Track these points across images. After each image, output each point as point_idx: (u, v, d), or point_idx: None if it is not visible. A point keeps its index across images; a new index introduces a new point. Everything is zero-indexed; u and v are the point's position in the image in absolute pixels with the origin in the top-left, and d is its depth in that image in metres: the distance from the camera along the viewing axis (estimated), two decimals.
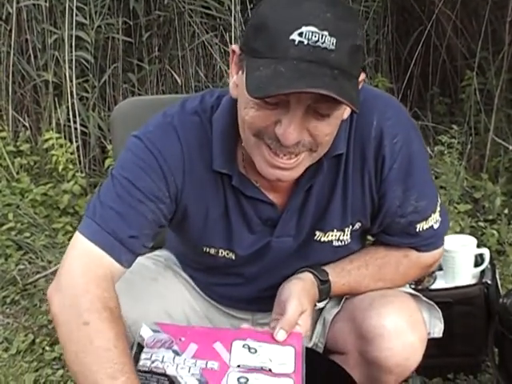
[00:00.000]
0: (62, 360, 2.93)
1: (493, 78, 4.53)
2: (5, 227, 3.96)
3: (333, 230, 1.74)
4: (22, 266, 3.73)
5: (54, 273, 3.57)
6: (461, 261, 2.56)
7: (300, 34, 1.38)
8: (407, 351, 1.68)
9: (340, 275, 1.77)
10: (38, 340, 3.09)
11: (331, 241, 1.76)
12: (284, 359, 1.56)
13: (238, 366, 1.54)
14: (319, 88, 1.37)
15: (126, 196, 1.62)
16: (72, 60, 4.58)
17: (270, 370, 1.53)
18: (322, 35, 1.38)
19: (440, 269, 2.63)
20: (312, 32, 1.38)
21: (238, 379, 1.51)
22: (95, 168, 4.73)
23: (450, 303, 2.49)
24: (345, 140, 1.66)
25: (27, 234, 3.95)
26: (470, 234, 3.32)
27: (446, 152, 3.84)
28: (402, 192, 1.71)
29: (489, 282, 2.53)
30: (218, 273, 1.88)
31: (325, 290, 1.75)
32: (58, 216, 4.14)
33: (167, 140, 1.66)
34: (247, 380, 1.50)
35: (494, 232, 3.60)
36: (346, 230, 1.75)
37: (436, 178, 3.82)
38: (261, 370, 1.53)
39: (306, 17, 1.39)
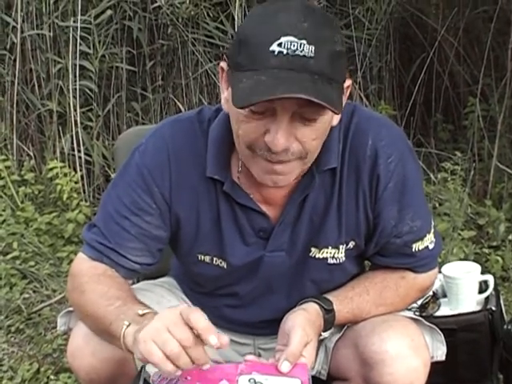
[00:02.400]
0: None
1: (496, 104, 4.53)
2: (9, 256, 3.97)
3: (327, 247, 1.76)
4: (26, 295, 3.73)
5: (58, 301, 3.61)
6: (465, 287, 2.54)
7: (279, 45, 1.44)
8: (411, 376, 1.68)
9: (343, 303, 1.78)
10: (42, 369, 3.09)
11: (326, 258, 1.78)
12: None
13: None
14: (298, 92, 1.42)
15: (112, 213, 1.76)
16: (76, 89, 4.61)
17: None
18: (301, 44, 1.44)
19: (444, 296, 2.63)
20: (290, 42, 1.44)
21: None
22: (99, 197, 4.70)
23: (455, 330, 2.46)
24: (337, 155, 1.69)
25: (32, 263, 3.96)
26: (474, 260, 3.33)
27: (449, 179, 3.84)
28: (397, 211, 1.73)
29: (493, 308, 2.51)
30: (214, 294, 1.90)
31: (330, 320, 1.75)
32: (63, 245, 4.15)
33: (155, 154, 1.76)
34: None
35: (499, 258, 3.60)
36: (341, 247, 1.77)
37: (440, 204, 3.83)
38: None
39: (284, 28, 1.45)
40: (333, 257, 1.78)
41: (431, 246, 1.82)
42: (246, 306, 1.89)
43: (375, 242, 1.78)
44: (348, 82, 1.60)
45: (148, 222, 1.75)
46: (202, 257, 1.81)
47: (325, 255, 1.78)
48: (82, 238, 1.83)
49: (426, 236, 1.80)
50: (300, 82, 1.44)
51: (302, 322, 1.68)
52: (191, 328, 1.42)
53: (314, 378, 1.71)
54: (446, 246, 3.49)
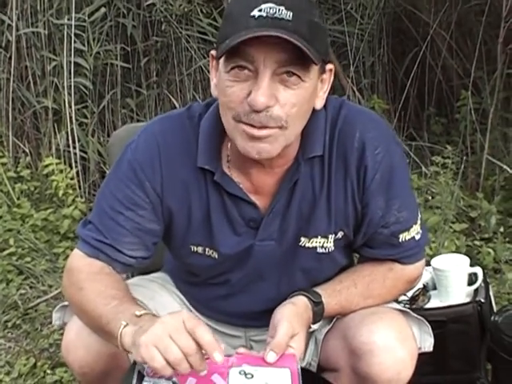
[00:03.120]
0: (64, 383, 2.98)
1: (487, 97, 4.56)
2: (6, 252, 4.00)
3: (317, 237, 1.80)
4: (23, 291, 3.76)
5: (54, 297, 3.64)
6: (454, 280, 2.58)
7: (259, 10, 1.52)
8: (398, 366, 1.71)
9: (332, 295, 1.81)
10: (39, 363, 3.12)
11: (315, 247, 1.81)
12: (280, 381, 1.57)
13: None
14: (275, 33, 1.49)
15: (107, 209, 1.80)
16: (71, 86, 4.65)
17: None
18: (279, 9, 1.52)
19: (434, 288, 2.67)
20: (270, 7, 1.52)
21: None
22: (95, 193, 4.73)
23: (444, 321, 2.51)
24: (324, 144, 1.74)
25: (28, 259, 3.98)
26: (466, 252, 3.36)
27: (441, 172, 3.87)
28: (384, 202, 1.77)
29: (482, 300, 2.55)
30: (208, 283, 1.94)
31: (318, 312, 1.79)
32: (59, 241, 4.18)
33: (146, 150, 1.80)
34: None
35: (490, 250, 3.61)
36: (330, 237, 1.81)
37: (432, 197, 3.86)
38: None
39: None
40: (322, 246, 1.82)
41: (417, 237, 1.86)
42: (237, 295, 1.92)
43: (363, 232, 1.82)
44: (330, 66, 1.67)
45: (142, 216, 1.78)
46: (195, 248, 1.85)
47: (314, 244, 1.81)
48: (77, 234, 1.86)
49: (412, 227, 1.84)
50: (279, 30, 1.50)
51: (289, 314, 1.72)
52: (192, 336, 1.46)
53: (304, 369, 1.75)
54: (438, 239, 3.52)
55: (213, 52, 1.69)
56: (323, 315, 1.80)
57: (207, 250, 1.84)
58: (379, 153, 1.74)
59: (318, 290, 1.81)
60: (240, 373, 1.59)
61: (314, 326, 1.82)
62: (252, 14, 1.51)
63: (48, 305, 3.59)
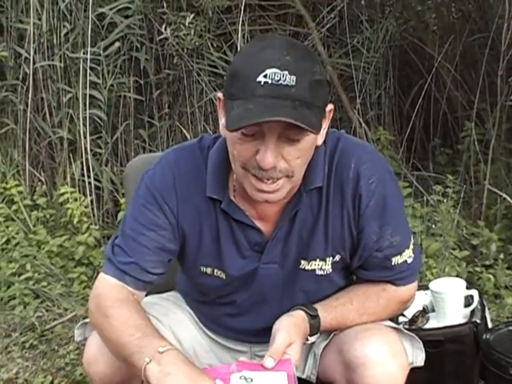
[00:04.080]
0: None
1: (491, 128, 4.64)
2: (23, 277, 4.11)
3: (315, 260, 1.94)
4: (39, 314, 3.87)
5: (70, 319, 3.75)
6: (451, 301, 2.69)
7: (265, 76, 1.63)
8: (389, 379, 1.82)
9: (328, 311, 1.94)
10: (56, 381, 3.24)
11: (314, 269, 1.95)
12: (278, 383, 1.71)
13: None
14: (280, 116, 1.61)
15: (129, 232, 1.93)
16: (86, 117, 4.77)
17: None
18: (283, 74, 1.63)
19: (433, 310, 2.78)
20: (274, 73, 1.63)
21: None
22: (108, 221, 4.87)
23: (442, 341, 2.61)
24: (323, 176, 1.88)
25: (44, 283, 4.09)
26: (467, 278, 3.45)
27: (444, 201, 3.98)
28: (378, 227, 1.90)
29: (478, 321, 2.66)
30: (216, 303, 2.07)
31: (315, 325, 1.91)
32: (74, 266, 4.28)
33: (163, 178, 1.93)
34: None
35: (491, 276, 3.71)
36: (328, 260, 1.94)
37: (434, 225, 3.96)
38: None
39: (269, 61, 1.64)
40: (320, 268, 1.95)
41: (409, 261, 1.98)
42: (243, 315, 2.06)
43: (359, 256, 1.95)
44: (329, 107, 1.79)
45: (163, 236, 1.92)
46: (204, 269, 1.99)
47: (313, 267, 1.95)
48: (105, 256, 1.98)
49: (404, 251, 1.96)
50: (282, 108, 1.62)
51: (287, 325, 1.85)
52: None
53: (303, 381, 1.88)
54: (439, 265, 3.63)
55: (219, 95, 1.82)
56: (319, 328, 1.92)
57: (216, 270, 1.98)
58: (373, 182, 1.87)
59: (316, 305, 1.94)
60: (240, 378, 1.72)
61: (312, 339, 1.93)
62: (258, 79, 1.63)
63: (64, 327, 3.70)
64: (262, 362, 1.77)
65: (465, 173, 4.71)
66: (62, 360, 3.40)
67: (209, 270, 1.98)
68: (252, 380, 1.71)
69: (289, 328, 1.84)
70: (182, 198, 1.91)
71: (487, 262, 3.90)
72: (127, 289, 1.91)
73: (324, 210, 1.90)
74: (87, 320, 2.03)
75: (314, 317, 1.91)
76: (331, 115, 1.82)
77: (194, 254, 1.97)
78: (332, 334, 1.98)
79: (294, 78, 1.64)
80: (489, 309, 2.98)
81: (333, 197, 1.89)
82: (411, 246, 1.98)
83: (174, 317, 2.12)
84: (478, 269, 3.81)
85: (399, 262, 1.96)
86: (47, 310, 3.92)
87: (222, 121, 1.81)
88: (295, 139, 1.69)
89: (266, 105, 1.62)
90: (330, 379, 1.96)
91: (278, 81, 1.63)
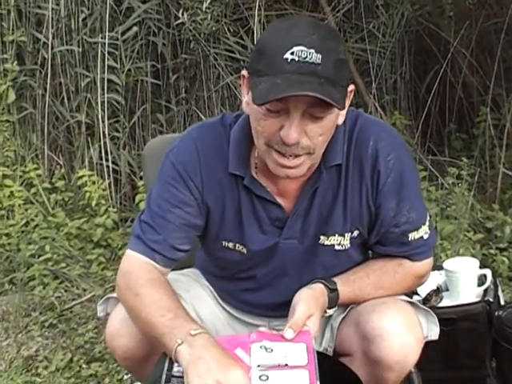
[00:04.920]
0: (98, 376, 3.15)
1: (506, 113, 4.65)
2: (42, 258, 4.15)
3: (334, 235, 1.98)
4: (58, 294, 3.93)
5: (89, 300, 3.81)
6: (464, 280, 2.73)
7: (292, 53, 1.68)
8: (405, 350, 1.87)
9: (346, 284, 1.98)
10: (75, 358, 3.28)
11: (333, 245, 1.99)
12: (297, 354, 1.74)
13: (258, 365, 1.71)
14: (308, 91, 1.66)
15: (156, 209, 1.96)
16: (104, 102, 4.81)
17: (286, 365, 1.71)
18: (310, 52, 1.67)
19: (447, 290, 2.81)
20: (301, 50, 1.68)
21: (260, 377, 1.67)
22: (126, 203, 4.90)
23: (455, 319, 2.64)
24: (342, 154, 1.92)
25: (63, 265, 4.12)
26: (481, 261, 3.47)
27: (457, 183, 4.01)
28: (395, 204, 1.95)
29: (491, 299, 2.69)
30: (235, 278, 2.12)
31: (333, 298, 1.96)
32: (92, 248, 4.33)
33: (187, 153, 1.97)
34: (268, 377, 1.67)
35: (505, 259, 3.74)
36: (346, 235, 1.98)
37: (447, 207, 3.99)
38: (278, 366, 1.71)
39: (296, 39, 1.69)
40: (339, 243, 2.00)
41: (426, 237, 2.02)
42: (262, 289, 2.10)
43: (376, 231, 2.00)
44: (351, 87, 1.83)
45: (189, 213, 1.96)
46: (226, 243, 2.03)
47: (332, 242, 2.00)
48: (132, 232, 2.01)
49: (421, 227, 2.01)
50: (310, 84, 1.67)
51: (307, 297, 1.90)
52: None
53: (321, 353, 1.92)
54: (453, 247, 3.65)
55: (243, 72, 1.87)
56: (338, 301, 1.97)
57: (237, 245, 2.02)
58: (391, 159, 1.92)
59: (334, 278, 1.98)
60: (261, 347, 1.76)
61: (330, 311, 1.98)
62: (285, 56, 1.68)
63: (82, 307, 3.76)
64: (281, 333, 1.81)
65: (480, 157, 4.71)
66: (81, 338, 3.45)
67: (230, 245, 2.03)
68: (272, 350, 1.75)
69: (308, 300, 1.89)
70: (206, 174, 1.95)
71: (501, 245, 3.92)
72: (157, 268, 1.94)
73: (343, 186, 1.94)
74: (110, 295, 2.08)
75: (332, 290, 1.95)
76: (352, 96, 1.86)
77: (217, 229, 2.02)
78: (349, 308, 2.02)
79: (319, 56, 1.68)
80: (503, 291, 3.00)
81: (352, 173, 1.93)
82: (427, 223, 2.02)
83: (195, 293, 2.16)
84: (492, 251, 3.83)
85: (416, 237, 2.00)
86: (66, 291, 3.97)
87: (246, 98, 1.85)
88: (319, 117, 1.73)
89: (294, 80, 1.67)
90: (346, 351, 2.01)
91: (305, 58, 1.67)
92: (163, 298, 1.84)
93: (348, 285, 1.99)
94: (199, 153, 1.96)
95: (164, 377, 1.71)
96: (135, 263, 1.95)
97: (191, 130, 2.04)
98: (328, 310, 1.96)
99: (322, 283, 1.95)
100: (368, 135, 1.93)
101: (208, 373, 1.62)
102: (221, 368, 1.63)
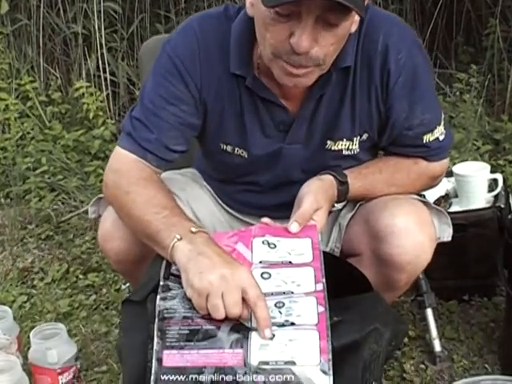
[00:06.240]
0: (95, 286, 3.08)
1: None
2: (38, 171, 4.05)
3: (342, 140, 1.87)
4: (55, 206, 3.85)
5: (86, 212, 3.70)
6: (475, 185, 2.64)
7: None
8: (417, 249, 1.78)
9: (357, 178, 1.88)
10: (71, 269, 3.21)
11: (341, 150, 1.88)
12: (302, 250, 1.63)
13: (260, 262, 1.60)
14: None
15: (149, 105, 1.82)
16: (100, 11, 4.65)
17: (290, 262, 1.60)
18: None
19: (456, 196, 2.73)
20: None
21: (262, 275, 1.56)
22: (124, 115, 4.75)
23: (465, 225, 2.56)
24: (352, 54, 1.78)
25: (60, 177, 4.02)
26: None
27: (465, 90, 3.89)
28: (407, 105, 1.83)
29: (502, 205, 2.60)
30: (237, 182, 2.01)
31: (343, 191, 1.86)
32: (90, 160, 4.22)
33: (186, 45, 1.82)
34: (270, 275, 1.57)
35: None
36: (355, 139, 1.87)
37: (455, 116, 3.89)
38: (281, 263, 1.60)
39: None
40: (347, 148, 1.89)
41: (441, 138, 1.92)
42: (265, 193, 2.00)
43: (388, 134, 1.89)
44: None
45: (184, 111, 1.83)
46: (225, 146, 1.92)
47: (340, 147, 1.88)
48: (123, 129, 1.88)
49: (436, 128, 1.90)
50: None
51: (315, 189, 1.80)
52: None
53: (327, 253, 1.80)
54: (461, 156, 3.56)
55: None
56: (347, 195, 1.87)
57: (237, 149, 1.91)
58: (402, 57, 1.78)
59: (345, 171, 1.88)
60: (263, 242, 1.65)
61: (338, 206, 1.89)
62: None
63: (80, 218, 3.67)
64: (286, 225, 1.71)
65: (488, 71, 4.60)
66: (78, 249, 3.37)
67: (229, 148, 1.92)
68: (275, 246, 1.65)
69: (317, 192, 1.78)
70: (205, 70, 1.82)
71: (510, 157, 3.83)
72: (149, 167, 1.83)
73: (351, 87, 1.82)
74: (101, 195, 1.97)
75: (342, 183, 1.85)
76: (366, 3, 1.70)
77: (215, 130, 1.90)
78: (358, 205, 1.93)
79: None
80: None
81: (360, 73, 1.80)
82: (442, 122, 1.92)
83: (192, 192, 2.06)
84: (500, 162, 3.74)
85: (431, 139, 1.90)
86: (63, 203, 3.89)
87: None
88: (333, 24, 1.59)
89: None
90: (354, 251, 1.92)
91: None
92: (157, 195, 1.73)
93: (359, 179, 1.89)
94: (200, 46, 1.82)
95: (162, 273, 1.58)
96: (126, 162, 1.83)
97: (191, 21, 1.88)
98: (336, 204, 1.87)
99: (332, 175, 1.85)
100: (377, 29, 1.78)
101: (212, 268, 1.48)
102: (226, 263, 1.51)
